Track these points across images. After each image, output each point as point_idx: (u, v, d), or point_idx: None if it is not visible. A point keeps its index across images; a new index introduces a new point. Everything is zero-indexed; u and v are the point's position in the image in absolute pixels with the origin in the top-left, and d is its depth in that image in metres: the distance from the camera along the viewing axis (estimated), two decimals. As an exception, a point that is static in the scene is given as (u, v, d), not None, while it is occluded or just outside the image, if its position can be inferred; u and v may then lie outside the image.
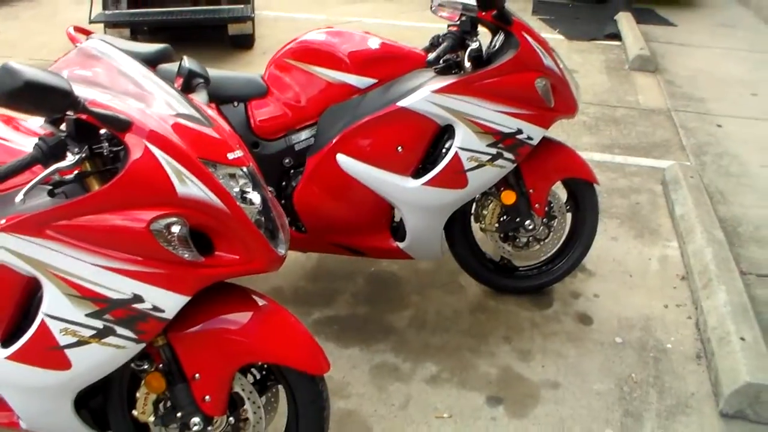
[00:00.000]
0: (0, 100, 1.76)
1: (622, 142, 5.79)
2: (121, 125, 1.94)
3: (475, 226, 3.64)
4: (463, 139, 3.13)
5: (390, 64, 3.28)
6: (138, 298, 2.02)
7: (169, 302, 2.05)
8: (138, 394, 2.35)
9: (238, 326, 2.24)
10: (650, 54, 7.69)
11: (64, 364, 2.11)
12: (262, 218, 2.16)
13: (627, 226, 4.51)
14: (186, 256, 2.00)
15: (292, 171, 3.34)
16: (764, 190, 4.96)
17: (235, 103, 3.30)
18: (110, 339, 2.07)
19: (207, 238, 2.07)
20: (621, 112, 6.44)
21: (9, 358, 2.14)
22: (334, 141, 3.18)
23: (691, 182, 4.80)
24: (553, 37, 8.65)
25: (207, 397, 2.26)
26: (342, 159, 3.16)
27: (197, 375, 2.24)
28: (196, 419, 2.29)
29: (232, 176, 2.11)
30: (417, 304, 3.74)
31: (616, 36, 8.67)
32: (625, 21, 9.03)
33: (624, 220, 4.59)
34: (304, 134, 3.30)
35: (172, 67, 3.10)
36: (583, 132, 5.96)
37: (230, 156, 2.11)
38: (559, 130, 5.85)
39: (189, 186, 1.98)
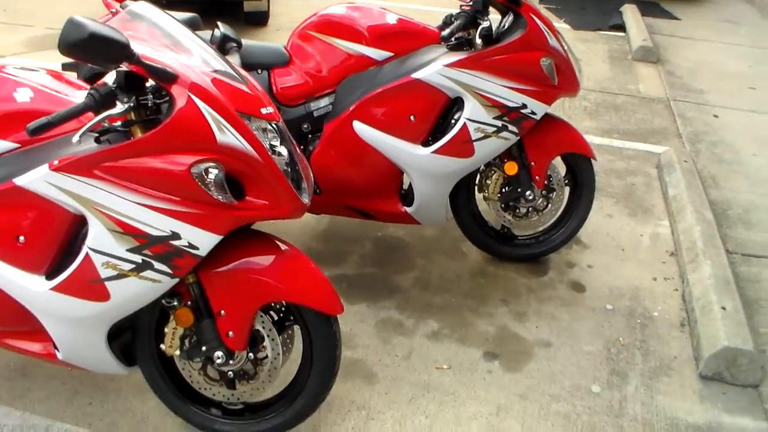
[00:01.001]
0: (66, 49, 1.98)
1: (622, 128, 6.00)
2: (168, 77, 2.15)
3: (478, 196, 3.85)
4: (472, 111, 3.35)
5: (406, 38, 3.49)
6: (175, 235, 2.24)
7: (203, 240, 2.26)
8: (166, 329, 2.55)
9: (262, 267, 2.45)
10: (653, 45, 7.89)
11: (104, 296, 2.33)
12: (289, 169, 2.36)
13: (622, 205, 4.74)
14: (221, 198, 2.21)
15: (310, 136, 3.56)
16: (755, 177, 5.19)
17: (259, 71, 3.52)
18: (147, 273, 2.29)
19: (239, 184, 2.28)
20: (621, 99, 6.65)
21: (53, 289, 2.35)
22: (351, 109, 3.39)
23: (684, 166, 5.02)
24: (559, 25, 8.76)
25: (230, 333, 2.47)
26: (358, 126, 3.38)
27: (222, 312, 2.46)
28: (219, 353, 2.51)
29: (263, 130, 2.32)
30: (421, 267, 3.96)
31: (621, 27, 8.86)
32: (630, 13, 9.23)
33: (619, 199, 4.81)
34: (322, 102, 3.51)
35: (201, 34, 3.31)
36: (585, 116, 6.18)
37: (263, 111, 2.32)
38: (561, 114, 6.01)
39: (227, 135, 2.19)
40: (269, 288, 2.45)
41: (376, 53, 3.45)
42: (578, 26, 8.95)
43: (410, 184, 3.55)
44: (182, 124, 2.17)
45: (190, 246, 2.26)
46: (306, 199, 2.42)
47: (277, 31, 7.79)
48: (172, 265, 2.28)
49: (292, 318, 2.64)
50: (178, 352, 2.57)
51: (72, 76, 2.78)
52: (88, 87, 2.65)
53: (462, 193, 3.72)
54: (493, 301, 3.70)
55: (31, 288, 2.39)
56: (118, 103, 2.20)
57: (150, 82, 2.26)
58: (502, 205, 3.81)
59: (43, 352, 2.62)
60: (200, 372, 2.64)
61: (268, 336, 2.55)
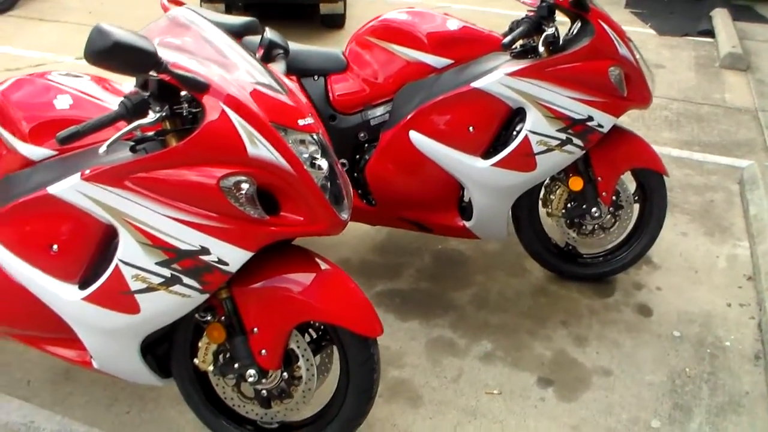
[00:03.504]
0: (91, 58, 1.91)
1: (703, 140, 5.72)
2: (199, 87, 2.07)
3: (542, 211, 3.68)
4: (534, 122, 3.19)
5: (467, 45, 3.35)
6: (205, 251, 2.16)
7: (233, 256, 2.18)
8: (200, 344, 2.48)
9: (298, 285, 2.35)
10: (742, 52, 7.52)
11: (134, 308, 2.27)
12: (328, 183, 2.25)
13: (698, 223, 4.49)
14: (252, 213, 2.13)
15: (366, 145, 3.45)
16: None
17: (316, 77, 3.43)
18: (177, 287, 2.22)
19: (274, 199, 2.19)
20: (705, 109, 6.35)
21: (85, 299, 2.31)
22: (408, 118, 3.27)
23: (769, 183, 4.74)
24: (643, 31, 8.55)
25: (263, 351, 2.38)
26: (415, 136, 3.25)
27: (256, 329, 2.37)
28: (251, 371, 2.42)
29: (302, 142, 2.21)
30: (480, 284, 3.82)
31: (710, 33, 8.50)
32: (720, 18, 8.84)
33: (695, 216, 4.56)
34: (379, 110, 3.41)
35: (256, 39, 3.23)
36: (664, 127, 5.91)
37: (301, 122, 2.22)
38: (640, 124, 5.83)
39: (259, 148, 2.10)
40: (304, 307, 2.36)
41: (436, 60, 3.32)
42: (664, 32, 8.62)
43: (470, 198, 3.40)
44: (212, 136, 2.08)
45: (220, 261, 2.18)
46: (345, 215, 2.31)
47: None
48: (201, 280, 2.21)
49: (329, 338, 2.53)
50: (211, 368, 2.50)
51: (117, 82, 2.73)
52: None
53: (525, 208, 3.56)
54: (553, 323, 3.53)
55: (63, 297, 2.35)
56: (150, 112, 2.12)
57: (184, 92, 2.19)
58: (567, 222, 3.64)
59: (79, 360, 2.60)
60: (234, 389, 2.57)
61: (302, 356, 2.46)
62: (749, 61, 7.51)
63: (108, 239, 2.29)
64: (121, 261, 2.21)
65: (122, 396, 2.99)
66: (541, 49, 3.23)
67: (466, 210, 3.47)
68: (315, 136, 2.26)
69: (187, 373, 2.61)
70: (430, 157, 3.27)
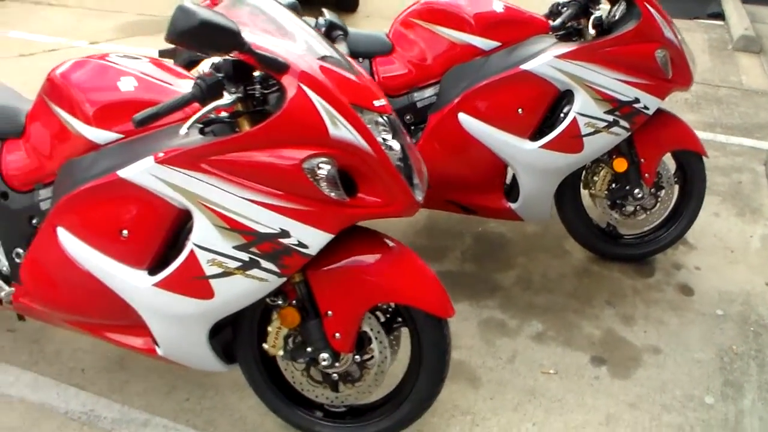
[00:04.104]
0: (175, 37, 1.90)
1: (725, 122, 5.75)
2: (279, 67, 2.06)
3: (583, 193, 3.70)
4: (582, 104, 3.20)
5: (513, 28, 3.36)
6: (285, 233, 2.15)
7: (313, 239, 2.16)
8: (269, 329, 2.47)
9: (371, 267, 2.35)
10: (755, 35, 7.55)
11: (208, 293, 2.26)
12: (402, 165, 2.25)
13: (728, 204, 4.52)
14: (333, 195, 2.11)
15: (413, 127, 3.45)
16: None
17: (360, 60, 3.42)
18: (254, 272, 2.20)
19: (351, 180, 2.17)
20: (723, 91, 6.38)
21: (156, 285, 2.29)
22: (457, 100, 3.28)
23: (795, 163, 4.77)
24: (653, 14, 8.54)
25: (337, 335, 2.38)
26: (463, 118, 3.26)
27: (330, 312, 2.36)
28: (325, 354, 2.41)
29: (375, 123, 2.20)
30: (523, 265, 3.84)
31: (719, 15, 8.52)
32: (729, 0, 8.85)
33: (725, 197, 4.59)
34: (427, 92, 3.41)
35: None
36: (686, 109, 5.94)
37: (376, 103, 2.22)
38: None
39: (340, 129, 2.09)
40: (380, 288, 2.35)
41: (483, 43, 3.32)
42: (674, 14, 8.44)
43: (514, 179, 3.42)
44: (294, 117, 2.07)
45: (300, 245, 2.16)
46: (419, 196, 2.31)
47: (366, 18, 7.72)
48: (280, 264, 2.19)
49: (400, 320, 2.53)
50: (281, 353, 2.49)
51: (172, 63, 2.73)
52: (189, 75, 2.60)
53: (567, 190, 3.57)
54: (599, 303, 3.54)
55: (133, 283, 2.34)
56: (225, 93, 2.12)
57: (257, 72, 2.18)
58: (609, 203, 3.65)
59: (143, 347, 2.58)
60: (303, 373, 2.56)
61: (376, 338, 2.45)
62: (762, 43, 7.54)
63: (180, 224, 2.28)
64: (196, 245, 2.20)
65: (180, 383, 2.99)
66: (592, 32, 3.25)
67: (510, 192, 3.48)
68: (387, 117, 2.25)
69: (253, 359, 2.60)
70: (479, 139, 3.27)
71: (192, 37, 1.90)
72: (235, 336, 2.58)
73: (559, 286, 3.67)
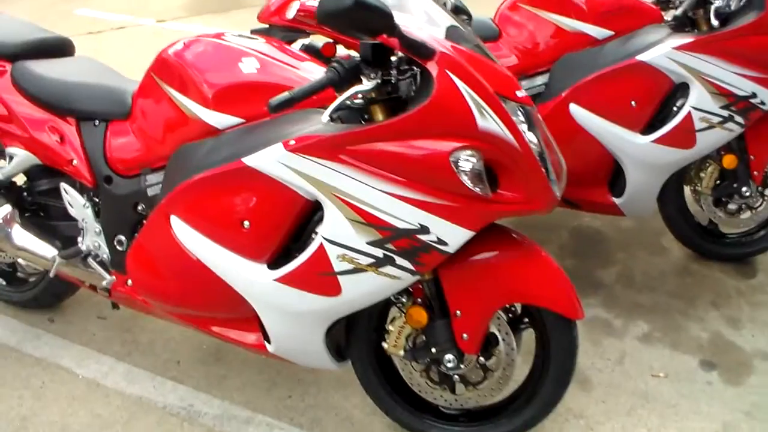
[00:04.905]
0: (327, 17, 1.79)
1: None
2: (426, 53, 1.95)
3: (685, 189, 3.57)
4: (698, 98, 3.08)
5: (628, 16, 3.23)
6: (424, 229, 2.03)
7: (454, 236, 2.05)
8: (391, 327, 2.39)
9: (504, 264, 2.24)
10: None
11: (334, 290, 2.15)
12: (539, 159, 2.13)
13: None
14: (477, 190, 2.00)
15: (520, 118, 3.33)
16: None
17: (465, 45, 3.31)
18: (387, 269, 2.09)
19: (491, 175, 2.05)
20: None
21: (278, 280, 2.19)
22: (569, 90, 3.16)
23: None
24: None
25: (465, 335, 2.27)
26: (575, 109, 3.15)
27: (458, 312, 2.26)
28: (450, 356, 2.31)
29: (515, 114, 2.08)
30: (623, 262, 3.73)
31: None
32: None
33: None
34: (537, 80, 3.30)
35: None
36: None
37: (518, 93, 2.11)
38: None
39: (488, 120, 1.98)
40: (512, 288, 2.25)
41: (597, 31, 3.20)
42: None
43: (616, 174, 3.30)
44: (442, 107, 1.96)
45: (439, 241, 2.05)
46: (558, 192, 2.18)
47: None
48: (416, 261, 2.08)
49: (525, 321, 2.42)
50: (402, 353, 2.39)
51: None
52: (306, 57, 2.49)
53: (671, 185, 3.42)
54: (703, 304, 3.42)
55: (252, 278, 2.25)
56: (363, 78, 2.01)
57: (395, 56, 2.05)
58: (713, 200, 3.52)
59: (252, 343, 2.49)
60: (422, 374, 2.47)
61: (503, 340, 2.35)
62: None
63: (306, 215, 2.19)
64: (325, 239, 2.10)
65: (280, 380, 2.91)
66: (715, 23, 3.10)
67: (614, 186, 3.36)
68: (525, 108, 2.14)
69: (368, 358, 2.51)
70: (590, 131, 3.16)
71: (343, 19, 1.79)
72: (350, 333, 2.48)
73: (661, 285, 3.55)
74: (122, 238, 2.65)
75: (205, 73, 2.30)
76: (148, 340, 3.15)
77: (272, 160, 2.09)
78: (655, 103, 3.14)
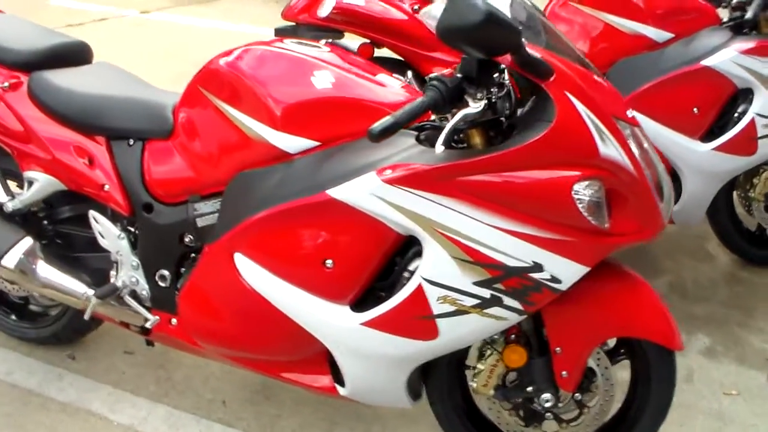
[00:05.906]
0: (451, 33, 1.65)
1: None
2: (545, 73, 1.78)
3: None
4: (763, 104, 2.99)
5: (687, 18, 3.12)
6: (538, 267, 1.86)
7: (568, 273, 1.89)
8: (480, 366, 2.21)
9: (608, 297, 2.10)
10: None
11: (431, 334, 1.97)
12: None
13: None
14: (596, 222, 1.84)
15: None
16: None
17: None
18: (493, 310, 1.92)
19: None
20: None
21: (365, 324, 2.00)
22: (631, 96, 3.03)
23: None
24: None
25: (564, 373, 2.11)
26: (636, 116, 2.99)
27: (558, 349, 2.09)
28: (547, 395, 2.16)
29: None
30: (672, 270, 3.62)
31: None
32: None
33: None
34: None
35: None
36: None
37: (629, 114, 1.95)
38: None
39: (608, 146, 1.82)
40: (614, 321, 2.10)
41: (656, 34, 3.06)
42: None
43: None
44: (564, 133, 1.79)
45: (553, 279, 1.88)
46: (666, 218, 2.02)
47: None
48: (525, 300, 1.91)
49: (622, 352, 2.26)
50: (491, 392, 2.22)
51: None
52: (381, 67, 2.29)
53: (722, 191, 3.30)
54: (761, 314, 3.31)
55: (334, 322, 2.05)
56: (468, 99, 1.81)
57: (498, 72, 1.86)
58: (765, 206, 3.42)
59: (322, 387, 2.27)
60: (511, 413, 2.29)
61: (602, 375, 2.19)
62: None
63: (395, 252, 2.00)
64: (425, 280, 1.91)
65: (339, 418, 2.71)
66: None
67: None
68: (635, 129, 1.98)
69: (450, 397, 2.33)
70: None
71: (471, 35, 1.63)
72: (429, 371, 2.29)
73: (714, 295, 3.44)
74: (165, 273, 2.40)
75: (270, 88, 2.07)
76: (185, 376, 2.91)
77: (364, 192, 1.89)
78: (717, 109, 3.04)
